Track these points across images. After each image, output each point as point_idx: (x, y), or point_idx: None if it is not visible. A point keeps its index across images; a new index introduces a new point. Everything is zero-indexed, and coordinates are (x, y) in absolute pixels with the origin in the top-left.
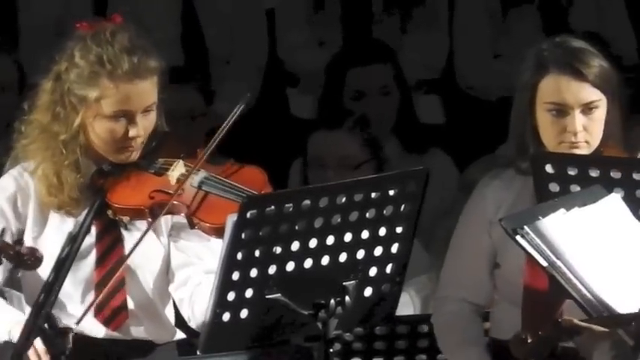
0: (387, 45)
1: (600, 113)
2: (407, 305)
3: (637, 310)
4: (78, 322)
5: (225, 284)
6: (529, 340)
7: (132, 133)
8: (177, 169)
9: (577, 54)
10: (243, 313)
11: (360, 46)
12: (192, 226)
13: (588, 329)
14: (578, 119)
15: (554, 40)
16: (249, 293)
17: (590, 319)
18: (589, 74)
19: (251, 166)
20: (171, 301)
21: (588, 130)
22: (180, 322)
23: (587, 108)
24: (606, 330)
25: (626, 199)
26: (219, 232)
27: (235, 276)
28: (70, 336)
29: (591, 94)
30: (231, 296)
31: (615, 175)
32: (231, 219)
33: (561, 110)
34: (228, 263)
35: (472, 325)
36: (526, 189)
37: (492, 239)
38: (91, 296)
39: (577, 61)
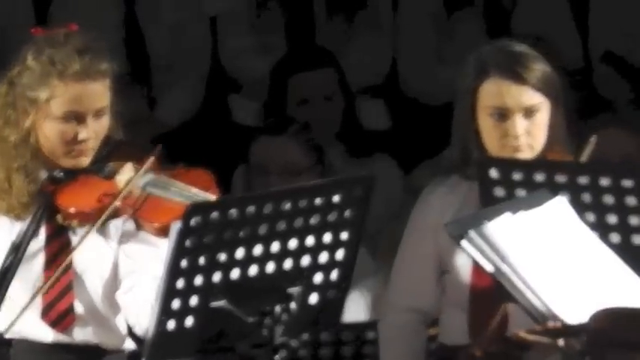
0: (330, 50)
1: (542, 117)
2: (353, 311)
3: (585, 319)
4: (7, 330)
5: (169, 292)
6: (477, 355)
7: (82, 135)
8: (126, 172)
9: (517, 58)
10: (188, 321)
11: (303, 52)
12: (139, 227)
13: (536, 342)
14: (520, 123)
15: (494, 44)
16: (193, 301)
17: (538, 331)
18: (530, 78)
19: (198, 169)
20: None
21: (531, 133)
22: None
23: (529, 111)
24: (554, 342)
25: (571, 203)
26: (165, 232)
27: (180, 284)
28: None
29: (532, 97)
30: (175, 304)
31: (561, 179)
32: (175, 226)
33: (503, 114)
34: (173, 271)
35: (414, 338)
36: (471, 194)
37: (439, 246)
38: (39, 299)
39: (517, 64)
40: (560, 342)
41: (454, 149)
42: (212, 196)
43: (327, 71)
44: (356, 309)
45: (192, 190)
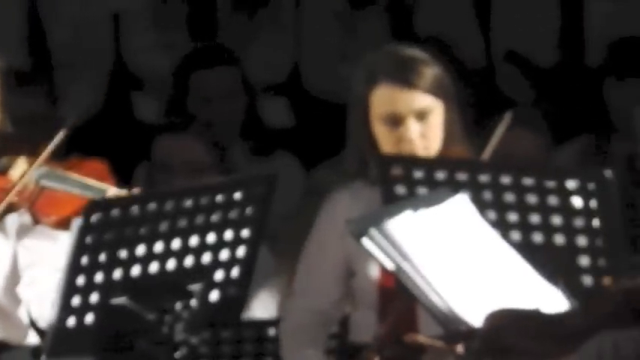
0: (232, 49)
1: (436, 118)
2: (254, 309)
3: (480, 324)
4: None
5: (69, 289)
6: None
7: None
8: (20, 166)
9: (405, 62)
10: (89, 318)
11: (205, 50)
12: (36, 220)
13: (432, 346)
14: (414, 127)
15: (383, 50)
16: (94, 298)
17: (433, 335)
18: (419, 82)
19: (92, 160)
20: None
21: (426, 136)
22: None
23: (421, 115)
24: (450, 347)
25: (472, 201)
26: (63, 225)
27: (80, 280)
28: None
29: (423, 100)
30: (75, 301)
31: (462, 177)
32: (76, 223)
33: (395, 120)
34: (73, 268)
35: (313, 338)
36: (375, 198)
37: (346, 249)
38: None
39: (405, 69)
40: (459, 347)
41: (351, 156)
42: (107, 186)
43: (229, 69)
44: (256, 307)
45: (87, 181)
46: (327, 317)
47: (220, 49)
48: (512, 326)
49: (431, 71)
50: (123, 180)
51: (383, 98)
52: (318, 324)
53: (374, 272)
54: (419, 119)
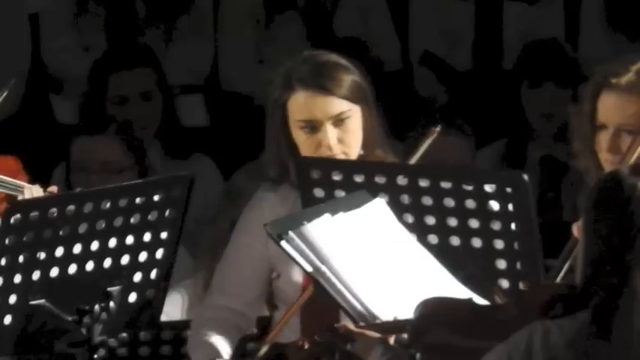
0: (149, 49)
1: (354, 123)
2: (172, 311)
3: (408, 316)
4: None
5: None
6: (305, 347)
7: None
8: None
9: (321, 68)
10: (7, 320)
11: (121, 51)
12: None
13: (362, 335)
14: (331, 132)
15: (300, 56)
16: (12, 299)
17: (364, 324)
18: (335, 87)
19: (4, 156)
20: None
21: (344, 141)
22: None
23: (339, 120)
24: (379, 335)
25: (390, 204)
26: None
27: None
28: None
29: (340, 106)
30: None
31: (380, 180)
32: None
33: (313, 126)
34: None
35: (221, 333)
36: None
37: (269, 251)
38: None
39: (322, 76)
40: (390, 338)
41: (270, 161)
42: (20, 182)
43: (145, 70)
44: (175, 309)
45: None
46: (241, 317)
47: (137, 49)
48: (443, 315)
49: (348, 77)
50: (41, 181)
51: (300, 104)
52: (231, 322)
53: (297, 274)
54: (336, 125)
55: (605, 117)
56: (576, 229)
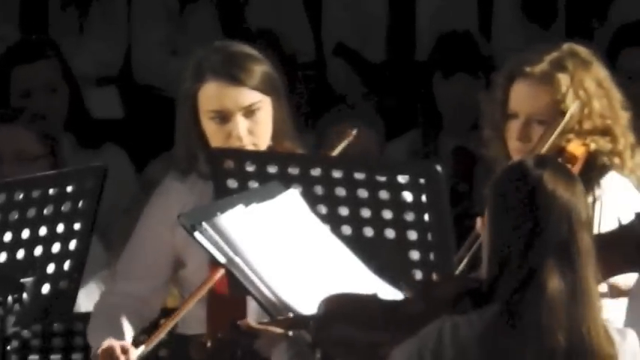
0: (51, 41)
1: (264, 115)
2: (86, 302)
3: (312, 312)
4: None
5: None
6: (208, 344)
7: None
8: None
9: (232, 59)
10: None
11: (23, 45)
12: None
13: (265, 331)
14: (242, 123)
15: (211, 46)
16: None
17: (267, 321)
18: (245, 78)
19: None
20: None
21: (254, 132)
22: None
23: (249, 111)
24: (283, 332)
25: (304, 195)
26: None
27: None
28: None
29: (251, 97)
30: None
31: (293, 171)
32: None
33: (223, 117)
34: None
35: (123, 320)
36: (209, 192)
37: (176, 239)
38: None
39: (232, 66)
40: (290, 333)
41: (180, 151)
42: None
43: (48, 62)
44: (88, 300)
45: None
46: (144, 304)
47: (40, 42)
48: (346, 311)
49: (259, 68)
50: None
51: (210, 95)
52: (132, 309)
53: (204, 264)
54: (247, 116)
55: (516, 105)
56: (479, 223)
